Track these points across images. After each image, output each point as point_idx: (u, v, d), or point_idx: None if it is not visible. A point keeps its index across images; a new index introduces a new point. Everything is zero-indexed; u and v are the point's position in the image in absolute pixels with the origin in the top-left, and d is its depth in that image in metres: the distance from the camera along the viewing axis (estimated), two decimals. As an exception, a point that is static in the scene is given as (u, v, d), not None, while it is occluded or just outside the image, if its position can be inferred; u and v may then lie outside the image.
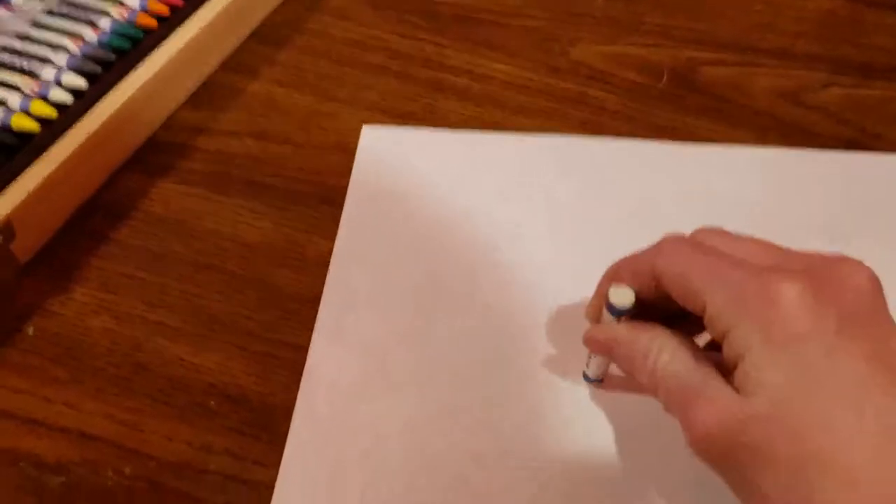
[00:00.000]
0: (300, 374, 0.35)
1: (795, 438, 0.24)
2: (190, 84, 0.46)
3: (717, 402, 0.26)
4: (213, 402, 0.34)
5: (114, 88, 0.41)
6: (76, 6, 0.45)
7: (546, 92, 0.47)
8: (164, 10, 0.45)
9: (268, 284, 0.38)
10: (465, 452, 0.32)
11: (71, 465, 0.32)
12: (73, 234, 0.40)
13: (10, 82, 0.41)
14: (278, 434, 0.33)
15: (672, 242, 0.29)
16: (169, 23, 0.45)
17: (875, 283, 0.26)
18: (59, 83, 0.41)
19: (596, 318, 0.32)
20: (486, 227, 0.40)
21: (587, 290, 0.33)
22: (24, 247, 0.37)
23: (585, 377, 0.34)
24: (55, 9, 0.45)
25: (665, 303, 0.29)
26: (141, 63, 0.42)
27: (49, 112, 0.40)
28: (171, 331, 0.36)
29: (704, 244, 0.29)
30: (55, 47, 0.43)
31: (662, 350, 0.28)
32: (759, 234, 0.29)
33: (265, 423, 0.33)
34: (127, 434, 0.33)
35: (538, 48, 0.50)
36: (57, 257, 0.39)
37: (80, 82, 0.41)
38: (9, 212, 0.36)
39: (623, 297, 0.30)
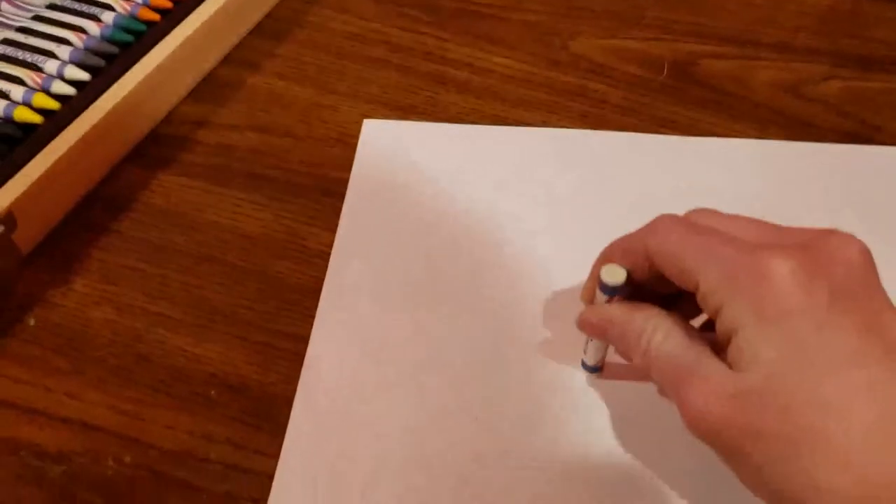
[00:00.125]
0: (300, 364, 0.35)
1: (787, 413, 0.24)
2: (191, 77, 0.46)
3: (710, 380, 0.26)
4: (213, 392, 0.34)
5: (116, 82, 0.41)
6: (79, 0, 0.45)
7: (546, 85, 0.47)
8: (166, 3, 0.45)
9: (268, 276, 0.38)
10: (465, 445, 0.33)
11: (72, 454, 0.32)
12: (75, 225, 0.40)
13: (13, 75, 0.41)
14: (279, 423, 0.33)
15: (665, 222, 0.29)
16: (171, 17, 0.45)
17: (867, 256, 0.26)
18: (61, 76, 0.41)
19: (590, 300, 0.32)
20: (488, 220, 0.40)
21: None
22: (25, 237, 0.37)
23: (584, 365, 0.34)
24: (58, 2, 0.45)
25: (659, 284, 0.29)
26: (143, 57, 0.42)
27: (52, 104, 0.40)
28: (171, 322, 0.36)
29: (697, 223, 0.29)
30: (58, 41, 0.43)
31: (656, 329, 0.28)
32: None
33: (266, 413, 0.34)
34: (128, 424, 0.33)
35: (538, 41, 0.50)
36: (58, 248, 0.39)
37: (83, 75, 0.41)
38: (10, 202, 0.36)
39: (614, 275, 0.30)
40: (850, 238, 0.27)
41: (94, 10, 0.45)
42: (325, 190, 0.42)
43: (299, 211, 0.41)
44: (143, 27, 0.44)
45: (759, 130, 0.45)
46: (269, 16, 0.51)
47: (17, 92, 0.40)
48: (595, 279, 0.31)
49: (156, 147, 0.43)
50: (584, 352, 0.34)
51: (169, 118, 0.45)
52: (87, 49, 0.43)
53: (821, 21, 0.53)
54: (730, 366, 0.26)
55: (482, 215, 0.40)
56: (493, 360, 0.35)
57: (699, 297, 0.27)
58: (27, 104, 0.40)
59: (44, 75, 0.41)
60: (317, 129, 0.45)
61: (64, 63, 0.42)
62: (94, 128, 0.39)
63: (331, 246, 0.39)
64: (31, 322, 0.36)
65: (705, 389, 0.26)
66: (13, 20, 0.44)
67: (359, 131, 0.44)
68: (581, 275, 0.33)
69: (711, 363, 0.26)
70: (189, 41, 0.44)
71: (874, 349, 0.24)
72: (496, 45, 0.50)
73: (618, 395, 0.34)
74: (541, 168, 0.43)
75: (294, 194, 0.42)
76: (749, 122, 0.46)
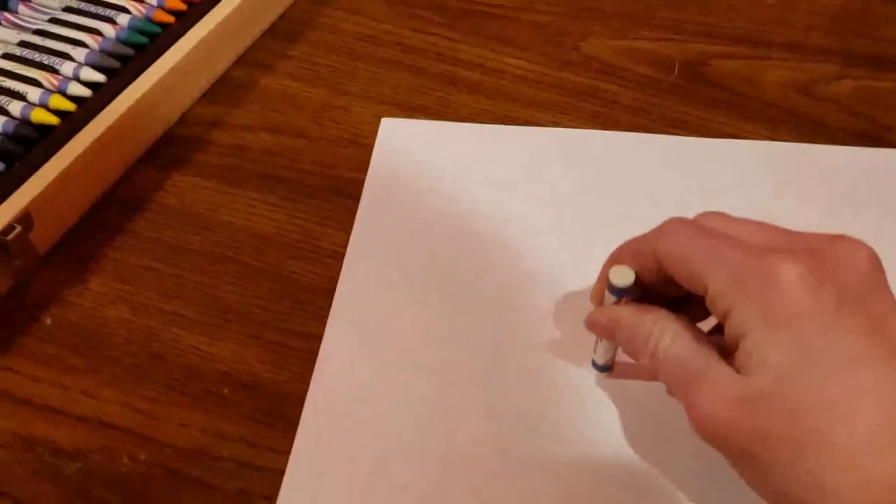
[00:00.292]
0: (313, 363, 0.35)
1: (795, 417, 0.24)
2: (205, 79, 0.46)
3: (718, 385, 0.26)
4: (227, 391, 0.34)
5: (131, 83, 0.42)
6: (95, 3, 0.46)
7: (558, 86, 0.47)
8: (180, 6, 0.46)
9: (282, 276, 0.39)
10: (474, 445, 0.33)
11: (87, 451, 0.33)
12: (90, 225, 0.40)
13: (30, 77, 0.41)
14: (292, 422, 0.33)
15: (674, 225, 0.29)
16: (185, 19, 0.45)
17: (874, 261, 0.26)
18: (77, 78, 0.42)
19: (599, 301, 0.32)
20: (504, 221, 0.40)
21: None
22: (42, 237, 0.38)
23: (594, 365, 0.34)
24: (74, 5, 0.46)
25: (667, 286, 0.30)
26: (158, 58, 0.43)
27: (68, 106, 0.40)
28: (186, 321, 0.37)
29: (706, 227, 0.29)
30: (74, 43, 0.43)
31: (664, 332, 0.28)
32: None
33: (279, 411, 0.34)
34: (142, 422, 0.34)
35: (549, 42, 0.50)
36: (74, 248, 0.39)
37: (98, 77, 0.42)
38: (27, 203, 0.36)
39: (623, 276, 0.30)
40: (858, 243, 0.27)
41: (109, 12, 0.45)
42: (338, 190, 0.42)
43: (312, 211, 0.41)
44: (157, 29, 0.45)
45: (770, 130, 0.45)
46: (281, 17, 0.51)
47: (33, 94, 0.41)
48: (604, 280, 0.31)
49: (170, 148, 0.44)
50: (594, 351, 0.34)
51: (183, 119, 0.45)
52: (102, 51, 0.43)
53: (832, 21, 0.52)
54: (738, 369, 0.26)
55: (499, 216, 0.41)
56: (503, 361, 0.35)
57: (708, 301, 0.27)
58: (44, 106, 0.40)
59: (60, 77, 0.42)
60: (329, 129, 0.45)
61: (79, 65, 0.42)
62: (110, 129, 0.40)
63: (343, 246, 0.39)
64: (48, 321, 0.37)
65: (713, 394, 0.26)
66: (30, 23, 0.45)
67: (371, 132, 0.45)
68: (590, 275, 0.34)
69: (719, 367, 0.26)
70: (203, 43, 0.44)
71: (880, 350, 0.24)
72: (507, 46, 0.50)
73: (626, 396, 0.34)
74: (559, 168, 0.43)
75: (307, 195, 0.42)
76: (760, 122, 0.46)
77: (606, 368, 0.34)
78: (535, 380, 0.35)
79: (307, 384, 0.34)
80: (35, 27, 0.44)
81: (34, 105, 0.40)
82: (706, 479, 0.31)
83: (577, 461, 0.32)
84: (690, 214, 0.30)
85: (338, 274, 0.38)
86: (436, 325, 0.36)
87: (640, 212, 0.41)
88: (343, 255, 0.39)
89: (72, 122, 0.40)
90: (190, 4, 0.46)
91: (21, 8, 0.46)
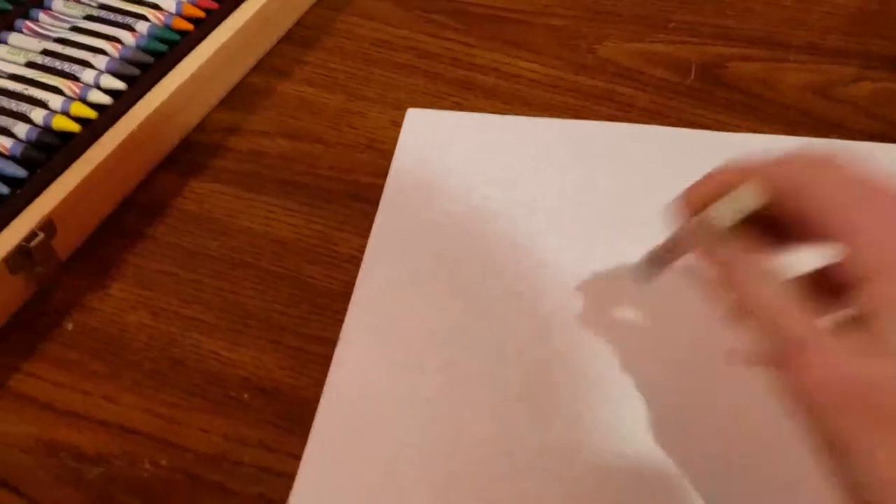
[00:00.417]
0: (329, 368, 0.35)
1: None
2: (223, 86, 0.47)
3: (831, 356, 0.23)
4: (247, 396, 0.35)
5: (150, 91, 0.42)
6: (114, 11, 0.46)
7: (574, 89, 0.47)
8: (199, 13, 0.46)
9: (300, 280, 0.39)
10: (489, 449, 0.33)
11: (109, 456, 0.33)
12: (111, 231, 0.41)
13: (51, 84, 0.42)
14: (310, 427, 0.33)
15: (832, 163, 0.25)
16: (203, 26, 0.46)
17: None
18: (98, 85, 0.42)
19: (696, 206, 0.28)
20: (527, 219, 0.40)
21: (630, 288, 0.32)
22: (64, 244, 0.38)
23: (641, 267, 0.31)
24: (94, 14, 0.46)
25: (775, 222, 0.26)
26: (177, 66, 0.43)
27: (89, 113, 0.41)
28: (205, 326, 0.37)
29: (868, 180, 0.25)
30: (95, 51, 0.44)
31: (771, 278, 0.25)
32: None
33: (298, 416, 0.34)
34: (164, 427, 0.34)
35: (565, 46, 0.50)
36: (95, 254, 0.40)
37: (119, 84, 0.42)
38: (50, 210, 0.37)
39: (750, 197, 0.26)
40: None
41: (128, 20, 0.46)
42: (355, 195, 0.42)
43: (330, 216, 0.41)
44: (176, 37, 0.45)
45: (788, 132, 0.45)
46: (298, 23, 0.51)
47: (55, 101, 0.41)
48: (715, 185, 0.27)
49: (189, 154, 0.44)
50: (648, 258, 0.30)
51: (201, 126, 0.46)
52: (122, 59, 0.44)
53: (850, 22, 0.52)
54: (854, 341, 0.23)
55: (521, 214, 0.41)
56: (523, 365, 0.35)
57: (848, 258, 0.24)
58: (65, 113, 0.41)
59: (81, 85, 0.42)
60: (346, 135, 0.45)
61: (100, 72, 0.43)
62: (130, 136, 0.40)
63: (360, 250, 0.40)
64: (70, 327, 0.37)
65: (824, 363, 0.23)
66: (51, 31, 0.45)
67: (387, 137, 0.45)
68: (615, 272, 0.33)
69: (826, 337, 0.24)
70: (221, 50, 0.45)
71: None
72: (523, 50, 0.50)
73: (631, 397, 0.34)
74: (589, 162, 0.43)
75: (325, 200, 0.42)
76: (778, 125, 0.46)
77: (653, 273, 0.31)
78: (560, 388, 0.35)
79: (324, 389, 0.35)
80: (56, 35, 0.45)
81: (56, 112, 0.41)
82: (712, 480, 0.32)
83: (582, 462, 0.32)
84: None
85: (355, 279, 0.39)
86: (452, 329, 0.36)
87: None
88: (360, 259, 0.39)
89: (93, 130, 0.40)
90: (208, 12, 0.46)
91: (42, 16, 0.46)
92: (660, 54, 0.50)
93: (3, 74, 0.43)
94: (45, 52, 0.44)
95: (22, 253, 0.36)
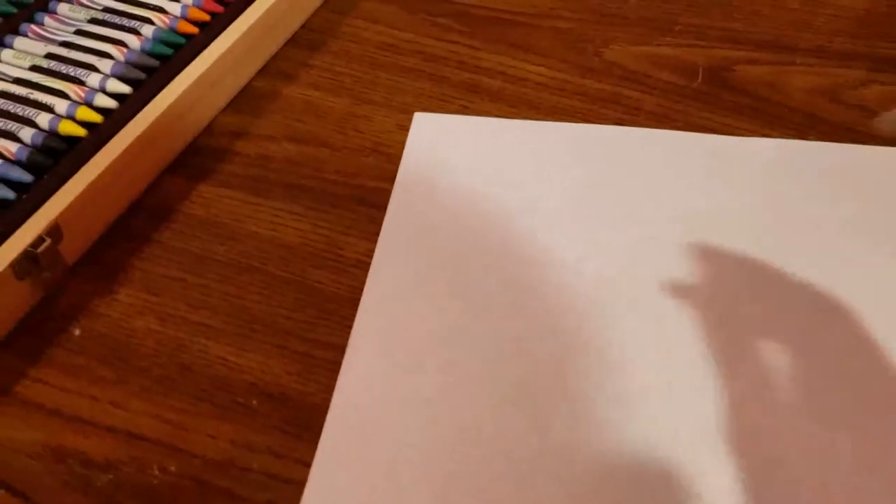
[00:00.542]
0: (338, 373, 0.35)
1: None
2: (230, 89, 0.47)
3: None
4: (255, 402, 0.35)
5: (157, 95, 0.42)
6: (119, 14, 0.46)
7: (580, 93, 0.47)
8: (204, 17, 0.46)
9: (307, 286, 0.39)
10: (500, 459, 0.33)
11: (118, 462, 0.33)
12: (117, 235, 0.41)
13: (57, 88, 0.42)
14: (318, 433, 0.33)
15: None
16: (209, 30, 0.45)
17: None
18: (104, 89, 0.42)
19: None
20: (535, 223, 0.40)
21: (640, 292, 0.32)
22: (70, 249, 0.38)
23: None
24: (99, 17, 0.46)
25: None
26: (183, 69, 0.43)
27: (95, 118, 0.41)
28: (213, 331, 0.37)
29: None
30: (100, 54, 0.44)
31: None
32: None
33: (306, 422, 0.34)
34: (172, 433, 0.34)
35: (571, 49, 0.50)
36: (102, 259, 0.40)
37: (125, 88, 0.42)
38: (57, 215, 0.37)
39: None
40: None
41: (134, 23, 0.46)
42: (361, 199, 0.42)
43: (336, 221, 0.41)
44: (182, 40, 0.45)
45: (797, 136, 0.45)
46: (303, 27, 0.51)
47: (60, 105, 0.41)
48: None
49: (196, 158, 0.44)
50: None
51: (208, 130, 0.45)
52: (128, 62, 0.43)
53: (857, 24, 0.52)
54: None
55: (530, 217, 0.41)
56: (533, 371, 0.35)
57: None
58: (71, 117, 0.41)
59: (86, 89, 0.42)
60: (352, 139, 0.45)
61: (106, 76, 0.43)
62: (137, 140, 0.40)
63: (367, 255, 0.40)
64: (77, 332, 0.37)
65: None
66: (56, 35, 0.45)
67: (394, 141, 0.45)
68: (624, 277, 0.33)
69: None
70: (227, 53, 0.45)
71: None
72: (529, 53, 0.50)
73: (632, 399, 0.34)
74: (597, 166, 0.43)
75: (331, 204, 0.42)
76: (785, 129, 0.46)
77: None
78: (567, 394, 0.34)
79: (333, 395, 0.34)
80: (61, 39, 0.45)
81: (62, 117, 0.41)
82: (713, 481, 0.31)
83: (582, 462, 0.32)
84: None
85: (361, 283, 0.38)
86: (461, 334, 0.36)
87: (674, 211, 0.41)
88: (366, 264, 0.39)
89: (99, 134, 0.40)
90: (213, 16, 0.46)
91: (47, 20, 0.46)
92: (666, 57, 0.50)
93: (8, 78, 0.43)
94: (50, 56, 0.44)
95: (28, 258, 0.36)
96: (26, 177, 0.38)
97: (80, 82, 0.42)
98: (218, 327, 0.37)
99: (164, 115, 0.41)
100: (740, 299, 0.37)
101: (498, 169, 0.43)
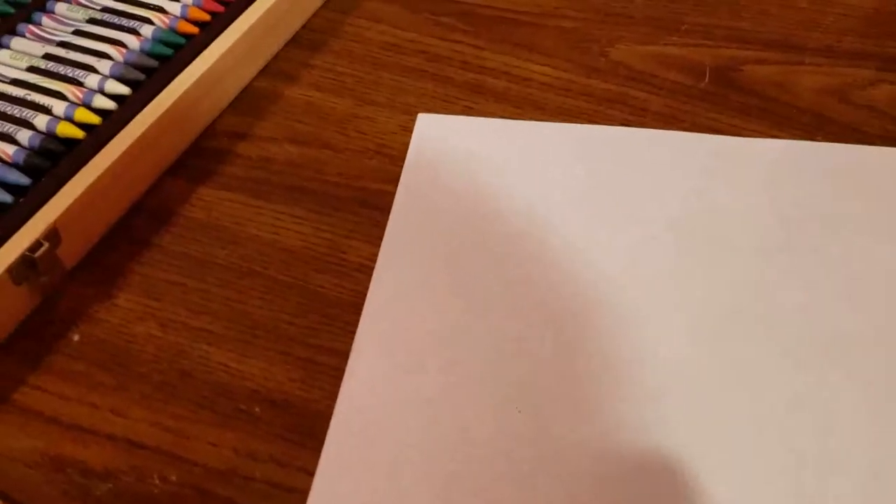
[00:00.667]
0: (342, 380, 0.35)
1: None
2: (231, 90, 0.46)
3: None
4: (257, 409, 0.34)
5: (156, 96, 0.41)
6: (118, 14, 0.45)
7: (586, 93, 0.47)
8: (205, 17, 0.45)
9: (309, 290, 0.38)
10: (502, 463, 0.32)
11: (117, 472, 0.32)
12: (116, 239, 0.40)
13: (54, 90, 0.41)
14: (322, 441, 0.33)
15: None
16: (210, 29, 0.45)
17: None
18: (102, 90, 0.41)
19: None
20: (541, 226, 0.40)
21: (644, 293, 0.32)
22: (69, 252, 0.38)
23: None
24: (98, 17, 0.45)
25: None
26: (183, 70, 0.42)
27: (93, 119, 0.40)
28: (214, 337, 0.36)
29: None
30: (98, 55, 0.43)
31: None
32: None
33: (309, 430, 0.33)
34: (173, 441, 0.33)
35: (576, 49, 0.50)
36: (101, 262, 0.39)
37: (124, 89, 0.41)
38: (55, 219, 0.36)
39: None
40: None
41: (133, 23, 0.45)
42: (364, 202, 0.42)
43: (339, 224, 0.41)
44: (182, 40, 0.44)
45: (806, 138, 0.44)
46: (305, 26, 0.51)
47: (58, 107, 0.40)
48: None
49: (196, 160, 0.43)
50: None
51: (208, 131, 0.45)
52: (127, 63, 0.43)
53: (866, 23, 0.51)
54: None
55: (537, 219, 0.40)
56: (538, 375, 0.35)
57: None
58: (69, 119, 0.40)
59: (85, 90, 0.41)
60: (355, 140, 0.44)
61: (104, 77, 0.42)
62: (136, 142, 0.40)
63: (370, 259, 0.39)
64: (76, 337, 0.36)
65: None
66: (54, 35, 0.44)
67: (397, 142, 0.44)
68: (630, 279, 0.33)
69: None
70: (228, 54, 0.44)
71: None
72: (533, 53, 0.49)
73: (634, 402, 0.33)
74: (603, 167, 0.42)
75: (333, 207, 0.41)
76: (794, 129, 0.45)
77: None
78: (574, 399, 0.34)
79: (336, 402, 0.34)
80: (59, 39, 0.44)
81: (60, 119, 0.40)
82: (715, 482, 0.31)
83: (584, 462, 0.32)
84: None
85: (365, 288, 0.38)
86: (468, 338, 0.36)
87: (680, 213, 0.40)
88: (369, 268, 0.39)
89: (97, 136, 0.40)
90: (214, 15, 0.46)
91: (45, 20, 0.45)
92: (673, 57, 0.49)
93: (5, 80, 0.42)
94: (48, 57, 0.43)
95: (26, 263, 0.35)
96: (24, 179, 0.38)
97: (79, 83, 0.42)
98: (219, 333, 0.36)
99: (163, 116, 0.41)
100: (744, 300, 0.37)
101: (503, 171, 0.42)
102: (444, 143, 0.44)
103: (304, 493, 0.31)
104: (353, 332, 0.36)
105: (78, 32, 0.45)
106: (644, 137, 0.44)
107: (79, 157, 0.39)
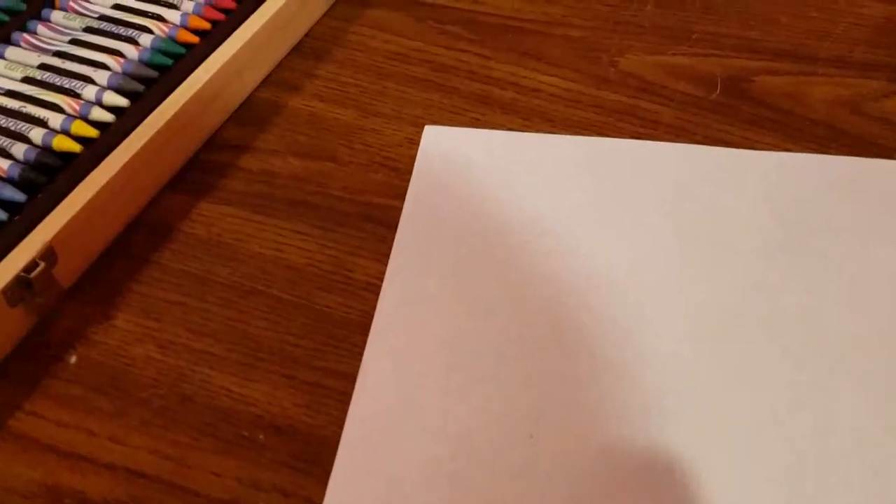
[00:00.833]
0: (349, 405, 0.33)
1: None
2: (232, 101, 0.45)
3: None
4: (261, 436, 0.33)
5: (156, 108, 0.40)
6: (116, 23, 0.44)
7: (596, 105, 0.46)
8: (205, 25, 0.44)
9: (314, 310, 0.37)
10: (518, 487, 0.31)
11: (116, 502, 0.31)
12: (114, 256, 0.39)
13: (50, 101, 0.40)
14: (328, 469, 0.32)
15: None
16: (210, 38, 0.44)
17: None
18: (100, 102, 0.40)
19: None
20: (552, 240, 0.39)
21: (650, 298, 0.32)
22: (66, 271, 0.36)
23: None
24: (95, 25, 0.44)
25: None
26: (183, 81, 0.41)
27: (91, 132, 0.39)
28: (216, 359, 0.35)
29: None
30: (95, 65, 0.42)
31: None
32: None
33: (315, 458, 0.32)
34: (174, 469, 0.32)
35: (584, 58, 0.49)
36: (99, 281, 0.38)
37: (122, 102, 0.40)
38: (52, 237, 0.35)
39: None
40: None
41: (131, 32, 0.44)
42: (368, 217, 0.40)
43: (343, 240, 0.39)
44: (182, 50, 0.43)
45: (819, 151, 0.43)
46: (308, 35, 0.50)
47: (55, 119, 0.39)
48: None
49: (197, 173, 0.42)
50: None
51: (209, 143, 0.44)
52: (125, 73, 0.42)
53: (878, 33, 0.50)
54: None
55: (546, 232, 0.39)
56: (548, 396, 0.34)
57: None
58: (65, 132, 0.39)
59: (82, 101, 0.40)
60: (360, 153, 0.43)
61: (102, 88, 0.41)
62: (136, 155, 0.38)
63: (376, 277, 0.38)
64: (73, 360, 0.35)
65: None
66: (50, 44, 0.43)
67: (402, 155, 0.43)
68: (634, 281, 0.32)
69: None
70: (229, 64, 0.43)
71: None
72: (541, 63, 0.48)
73: (635, 405, 0.33)
74: (614, 181, 0.41)
75: (338, 222, 0.40)
76: (807, 142, 0.44)
77: None
78: (584, 418, 0.33)
79: (343, 428, 0.33)
80: (55, 49, 0.43)
81: (56, 132, 0.39)
82: (716, 482, 0.31)
83: (587, 465, 0.31)
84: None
85: (371, 307, 0.37)
86: (480, 358, 0.35)
87: (683, 218, 0.39)
88: (377, 286, 0.37)
89: (95, 150, 0.38)
90: (214, 23, 0.45)
91: (40, 28, 0.44)
92: (683, 67, 0.48)
93: None
94: (44, 67, 0.42)
95: (21, 284, 0.34)
96: (18, 196, 0.36)
97: (76, 95, 0.41)
98: (221, 355, 0.35)
99: (163, 129, 0.39)
100: (746, 302, 0.36)
101: (513, 185, 0.41)
102: (451, 156, 0.43)
103: (311, 524, 0.30)
104: (361, 354, 0.35)
105: (75, 42, 0.43)
106: (657, 150, 0.43)
107: (76, 172, 0.37)
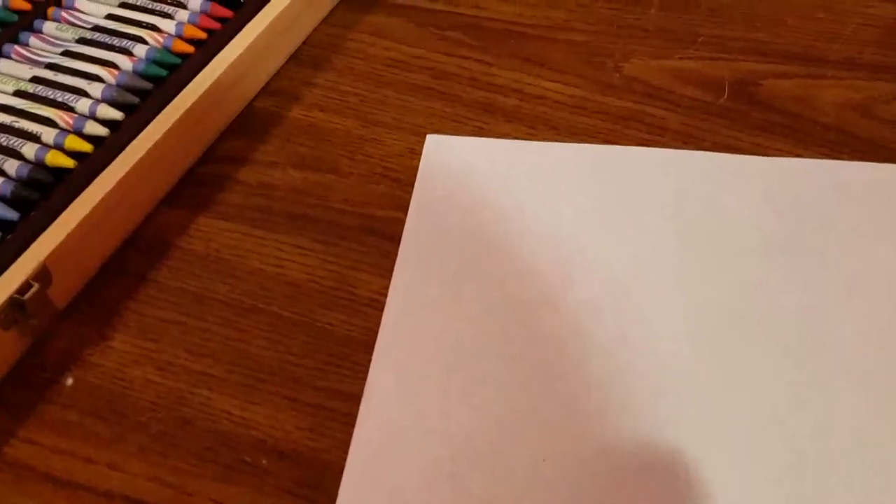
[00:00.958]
0: (353, 427, 0.32)
1: None
2: (229, 112, 0.44)
3: None
4: (264, 461, 0.32)
5: (151, 121, 0.39)
6: (110, 33, 0.43)
7: (601, 111, 0.45)
8: (201, 35, 0.43)
9: (316, 327, 0.36)
10: (518, 487, 0.31)
11: (115, 531, 0.30)
12: (110, 274, 0.38)
13: (43, 115, 0.39)
14: (333, 496, 0.31)
15: None
16: (205, 49, 0.43)
17: None
18: (94, 116, 0.39)
19: None
20: (558, 250, 0.38)
21: (651, 299, 0.32)
22: (61, 291, 0.35)
23: None
24: (88, 37, 0.43)
25: None
26: (179, 92, 0.40)
27: (85, 147, 0.38)
28: (216, 381, 0.34)
29: None
30: (89, 77, 0.41)
31: None
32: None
33: (319, 483, 0.31)
34: (173, 497, 0.31)
35: (589, 64, 0.48)
36: (94, 300, 0.37)
37: (117, 114, 0.39)
38: (45, 256, 0.34)
39: None
40: None
41: (125, 43, 0.43)
42: (371, 230, 0.40)
43: (345, 255, 0.39)
44: (177, 60, 0.42)
45: (830, 156, 0.42)
46: (305, 42, 0.49)
47: (48, 134, 0.38)
48: None
49: (194, 187, 0.41)
50: None
51: (207, 156, 0.43)
52: (119, 86, 0.41)
53: (887, 34, 0.49)
54: None
55: (552, 242, 0.38)
56: (553, 413, 0.33)
57: None
58: (59, 147, 0.38)
59: (75, 115, 0.39)
60: (360, 164, 0.42)
61: (96, 101, 0.40)
62: (131, 170, 0.37)
63: (380, 292, 0.37)
64: (69, 382, 0.34)
65: None
66: (42, 56, 0.42)
67: (404, 166, 0.42)
68: (636, 282, 0.31)
69: None
70: (226, 73, 0.42)
71: None
72: (544, 69, 0.47)
73: (636, 410, 0.32)
74: (621, 189, 0.40)
75: (339, 236, 0.39)
76: (818, 147, 0.43)
77: None
78: (590, 436, 0.32)
79: (348, 453, 0.32)
80: (48, 61, 0.42)
81: (49, 147, 0.38)
82: (715, 483, 0.31)
83: (589, 465, 0.31)
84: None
85: (375, 324, 0.36)
86: (487, 375, 0.34)
87: (684, 220, 0.39)
88: (380, 302, 0.37)
89: (89, 165, 0.37)
90: (210, 33, 0.44)
91: (32, 40, 0.43)
92: (690, 71, 0.47)
93: (-9, 104, 0.40)
94: (36, 80, 0.41)
95: (15, 306, 0.33)
96: (11, 214, 0.35)
97: (69, 108, 0.40)
98: (221, 377, 0.34)
99: (159, 142, 0.38)
100: (746, 302, 0.36)
101: (517, 195, 0.40)
102: (454, 166, 0.42)
103: (316, 553, 0.30)
104: (364, 373, 0.34)
105: (67, 53, 0.42)
106: (665, 158, 0.42)
107: (70, 188, 0.36)
